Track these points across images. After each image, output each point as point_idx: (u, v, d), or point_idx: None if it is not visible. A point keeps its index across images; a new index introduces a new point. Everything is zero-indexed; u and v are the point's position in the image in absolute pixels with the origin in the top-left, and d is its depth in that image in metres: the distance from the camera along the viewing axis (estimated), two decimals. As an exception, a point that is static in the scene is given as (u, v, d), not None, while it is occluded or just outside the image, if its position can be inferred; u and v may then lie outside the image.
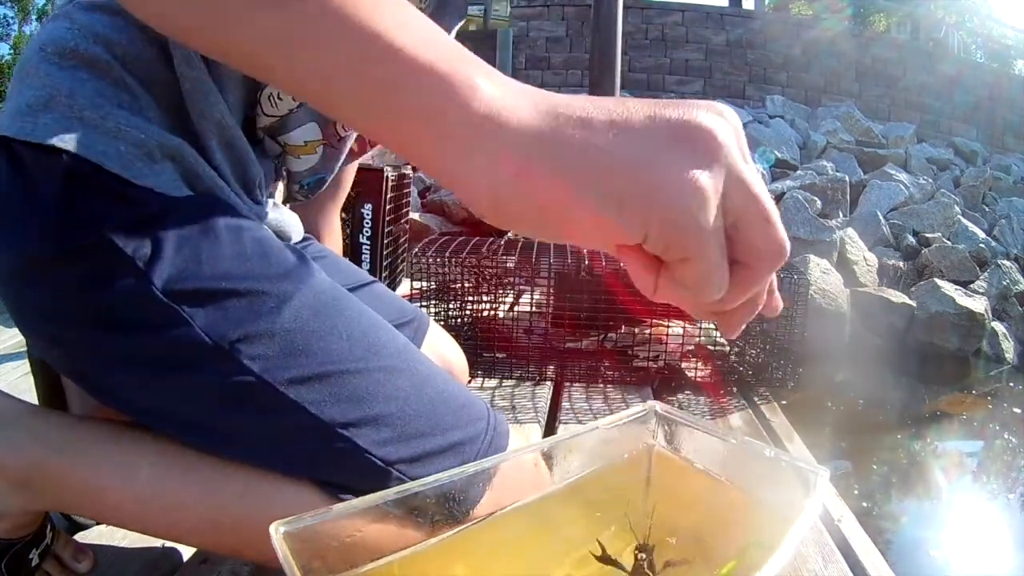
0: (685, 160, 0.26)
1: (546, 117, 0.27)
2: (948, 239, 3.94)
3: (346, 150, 0.68)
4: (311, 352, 0.46)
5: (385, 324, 0.53)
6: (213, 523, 0.48)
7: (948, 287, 3.28)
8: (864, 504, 1.84)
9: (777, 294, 0.32)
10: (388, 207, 1.59)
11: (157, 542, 0.66)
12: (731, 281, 0.28)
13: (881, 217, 3.96)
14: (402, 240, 1.83)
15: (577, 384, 1.31)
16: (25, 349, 1.05)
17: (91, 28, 0.47)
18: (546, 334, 1.37)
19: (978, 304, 3.23)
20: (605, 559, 0.39)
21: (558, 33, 6.72)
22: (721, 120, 0.27)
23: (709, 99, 0.31)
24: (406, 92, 0.27)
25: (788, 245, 0.28)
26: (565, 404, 1.20)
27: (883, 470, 2.14)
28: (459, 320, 1.41)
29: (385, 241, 1.58)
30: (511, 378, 1.30)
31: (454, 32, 0.62)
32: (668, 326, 1.37)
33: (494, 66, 0.29)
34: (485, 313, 1.44)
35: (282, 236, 0.62)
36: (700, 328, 1.36)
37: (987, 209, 4.92)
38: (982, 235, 4.13)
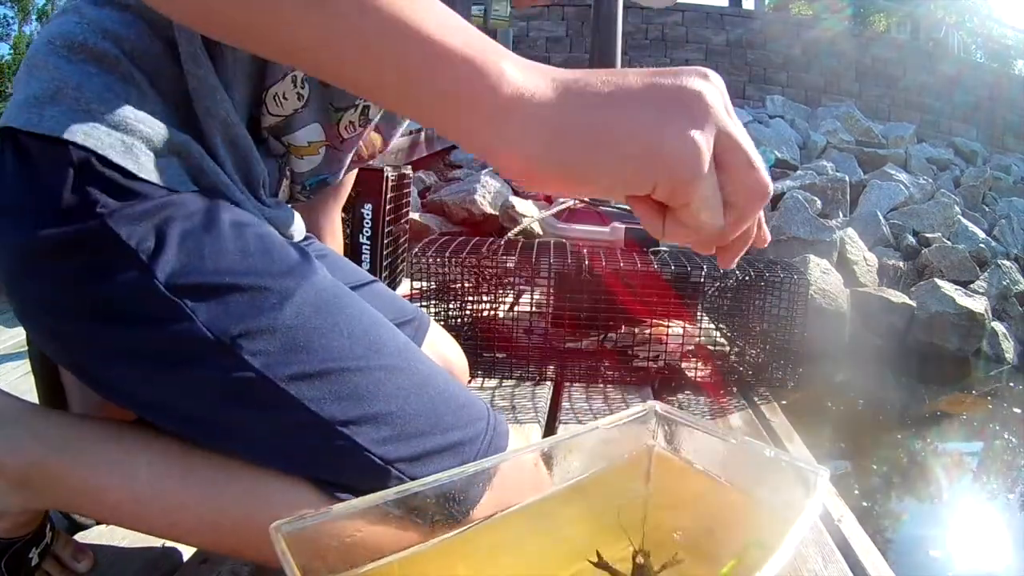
0: (682, 122, 0.31)
1: (564, 94, 0.32)
2: (948, 239, 3.94)
3: (349, 153, 0.68)
4: (312, 349, 0.46)
5: (386, 322, 0.53)
6: (213, 523, 0.48)
7: (948, 287, 3.28)
8: (864, 504, 1.84)
9: (765, 228, 0.38)
10: (388, 207, 1.59)
11: (157, 542, 0.66)
12: (726, 219, 0.34)
13: (881, 217, 3.96)
14: (402, 240, 1.83)
15: (577, 384, 1.30)
16: (25, 349, 1.05)
17: (100, 23, 0.47)
18: (546, 334, 1.36)
19: (978, 304, 3.23)
20: (602, 565, 0.39)
21: (558, 33, 6.73)
22: (708, 84, 0.33)
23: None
24: (444, 78, 0.31)
25: (771, 185, 0.34)
26: (565, 404, 1.20)
27: (883, 470, 2.14)
28: (459, 320, 1.40)
29: (385, 241, 1.58)
30: (511, 378, 1.30)
31: None
32: (668, 326, 1.36)
33: None
34: (485, 313, 1.44)
35: (284, 234, 0.62)
36: (700, 328, 1.36)
37: (987, 209, 4.92)
38: (982, 235, 4.13)
